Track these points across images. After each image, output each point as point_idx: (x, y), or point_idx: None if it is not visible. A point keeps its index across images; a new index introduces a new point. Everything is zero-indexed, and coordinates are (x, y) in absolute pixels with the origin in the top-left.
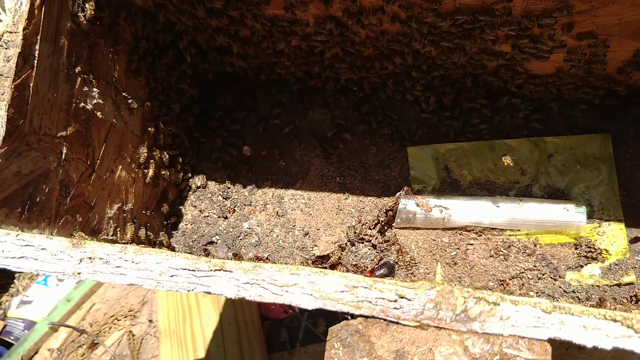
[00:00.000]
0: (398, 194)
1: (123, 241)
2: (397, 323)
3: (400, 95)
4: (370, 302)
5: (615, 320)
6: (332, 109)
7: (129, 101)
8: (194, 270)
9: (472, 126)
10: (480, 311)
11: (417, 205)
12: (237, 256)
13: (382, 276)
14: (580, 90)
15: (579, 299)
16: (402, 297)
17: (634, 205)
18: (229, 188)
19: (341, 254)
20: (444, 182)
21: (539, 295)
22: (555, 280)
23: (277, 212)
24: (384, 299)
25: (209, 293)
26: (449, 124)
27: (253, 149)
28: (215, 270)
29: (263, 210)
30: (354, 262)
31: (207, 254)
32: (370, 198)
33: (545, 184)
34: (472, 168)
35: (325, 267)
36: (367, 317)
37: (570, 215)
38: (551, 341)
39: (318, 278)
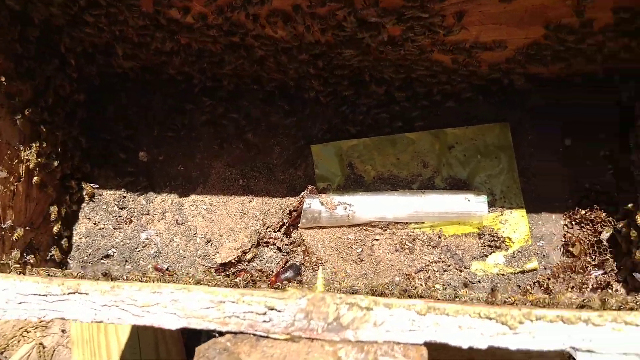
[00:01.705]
0: (302, 193)
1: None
2: (267, 337)
3: (304, 92)
4: (238, 317)
5: (490, 318)
6: (231, 109)
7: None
8: (46, 295)
9: (373, 117)
10: (353, 318)
11: (322, 204)
12: (106, 275)
13: (288, 279)
14: (471, 81)
15: (484, 288)
16: (271, 309)
17: (534, 191)
18: (124, 197)
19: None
20: (348, 179)
21: (445, 288)
22: (461, 271)
23: (177, 220)
24: (252, 312)
25: (63, 319)
26: (351, 118)
27: (149, 154)
28: (69, 293)
29: (162, 218)
30: (259, 267)
31: (106, 275)
32: (276, 199)
33: (448, 175)
34: (375, 163)
35: (228, 275)
36: (235, 333)
37: (471, 205)
38: (429, 345)
39: (182, 295)
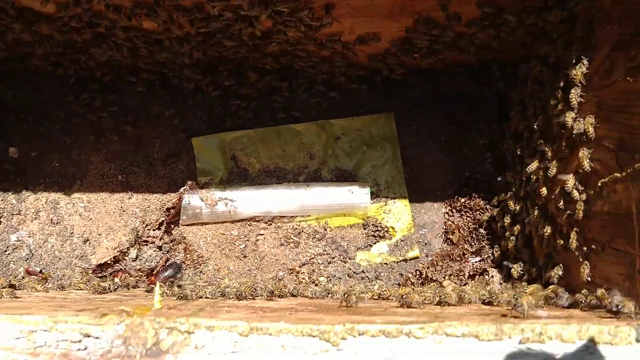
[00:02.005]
0: (181, 190)
1: None
2: None
3: (184, 83)
4: (50, 346)
5: (313, 336)
6: (108, 101)
7: None
8: None
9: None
10: (173, 342)
11: (202, 200)
12: None
13: (168, 278)
14: (353, 72)
15: (368, 278)
16: (87, 336)
17: (417, 181)
18: None
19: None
20: (232, 173)
21: (330, 279)
22: (345, 262)
23: (52, 219)
24: (66, 340)
25: None
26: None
27: (20, 150)
28: None
29: (35, 218)
30: (138, 267)
31: None
32: (156, 195)
33: (334, 167)
34: (260, 156)
35: (105, 276)
36: None
37: (355, 197)
38: None
39: None
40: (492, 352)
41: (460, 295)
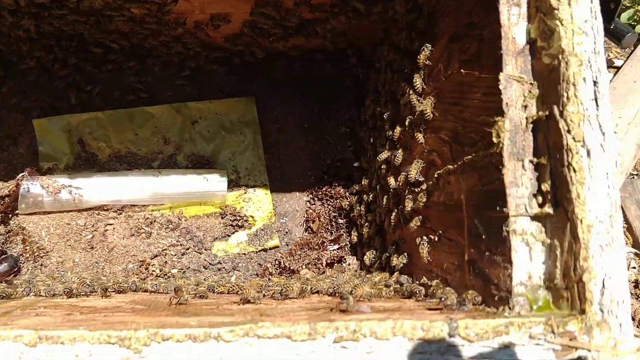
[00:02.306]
0: (19, 176)
1: None
2: None
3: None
4: None
5: (112, 343)
6: None
7: None
8: None
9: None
10: None
11: (43, 187)
12: None
13: (3, 274)
14: (210, 54)
15: (225, 269)
16: None
17: (278, 168)
18: None
19: None
20: (79, 158)
21: (185, 271)
22: (201, 253)
23: None
24: None
25: None
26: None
27: None
28: None
29: None
30: None
31: None
32: None
33: (191, 152)
34: (110, 140)
35: None
36: None
37: (211, 184)
38: None
39: None
40: (305, 353)
41: (302, 288)
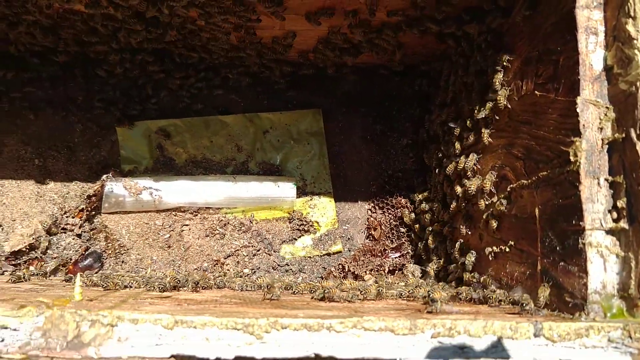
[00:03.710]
0: (103, 177)
1: None
2: (1, 358)
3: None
4: None
5: (237, 329)
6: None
7: None
8: None
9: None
10: (96, 335)
11: (125, 188)
12: None
13: (87, 267)
14: (283, 67)
15: (292, 271)
16: (4, 328)
17: (342, 177)
18: None
19: None
20: (157, 162)
21: (254, 271)
22: (270, 255)
23: None
24: None
25: None
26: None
27: None
28: None
29: None
30: (54, 255)
31: None
32: (76, 182)
33: (261, 160)
34: (187, 145)
35: (20, 264)
36: None
37: (281, 190)
38: (177, 357)
39: None
40: (407, 346)
41: (379, 291)
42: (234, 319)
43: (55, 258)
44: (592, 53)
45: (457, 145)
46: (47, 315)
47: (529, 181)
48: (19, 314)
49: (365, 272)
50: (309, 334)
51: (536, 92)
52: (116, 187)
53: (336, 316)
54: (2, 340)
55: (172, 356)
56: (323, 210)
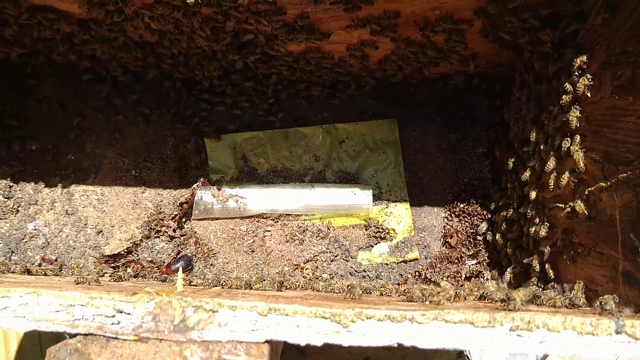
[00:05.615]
0: (194, 185)
1: None
2: (117, 338)
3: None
4: (87, 319)
5: (325, 318)
6: (127, 96)
7: None
8: None
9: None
10: (199, 319)
11: (213, 196)
12: None
13: (178, 270)
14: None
15: (369, 277)
16: (120, 312)
17: (418, 185)
18: (10, 186)
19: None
20: (242, 171)
21: (332, 276)
22: (347, 261)
23: (67, 210)
24: (101, 315)
25: None
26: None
27: (38, 143)
28: None
29: (51, 209)
30: (149, 258)
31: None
32: (168, 190)
33: (338, 169)
34: (268, 156)
35: (118, 266)
36: (86, 334)
37: (357, 198)
38: (271, 342)
39: (31, 299)
40: (486, 338)
41: (456, 292)
42: (323, 308)
43: (150, 261)
44: None
45: (535, 153)
46: (157, 301)
47: (609, 184)
48: (132, 300)
49: (442, 278)
50: (392, 324)
51: (614, 95)
52: (205, 195)
53: (418, 309)
54: (119, 323)
55: (267, 341)
56: (399, 217)
